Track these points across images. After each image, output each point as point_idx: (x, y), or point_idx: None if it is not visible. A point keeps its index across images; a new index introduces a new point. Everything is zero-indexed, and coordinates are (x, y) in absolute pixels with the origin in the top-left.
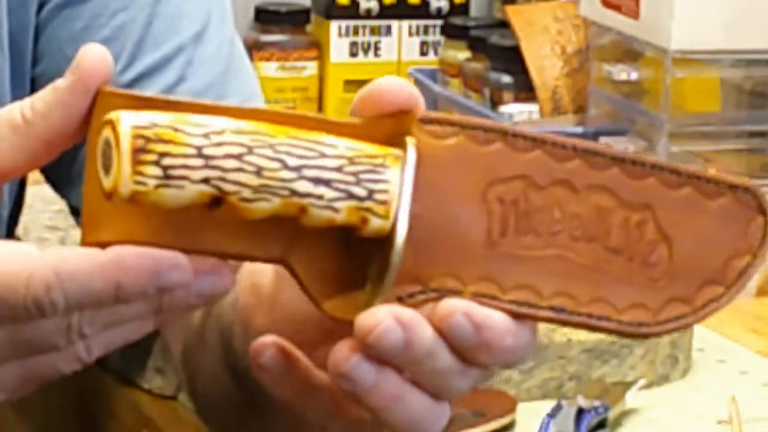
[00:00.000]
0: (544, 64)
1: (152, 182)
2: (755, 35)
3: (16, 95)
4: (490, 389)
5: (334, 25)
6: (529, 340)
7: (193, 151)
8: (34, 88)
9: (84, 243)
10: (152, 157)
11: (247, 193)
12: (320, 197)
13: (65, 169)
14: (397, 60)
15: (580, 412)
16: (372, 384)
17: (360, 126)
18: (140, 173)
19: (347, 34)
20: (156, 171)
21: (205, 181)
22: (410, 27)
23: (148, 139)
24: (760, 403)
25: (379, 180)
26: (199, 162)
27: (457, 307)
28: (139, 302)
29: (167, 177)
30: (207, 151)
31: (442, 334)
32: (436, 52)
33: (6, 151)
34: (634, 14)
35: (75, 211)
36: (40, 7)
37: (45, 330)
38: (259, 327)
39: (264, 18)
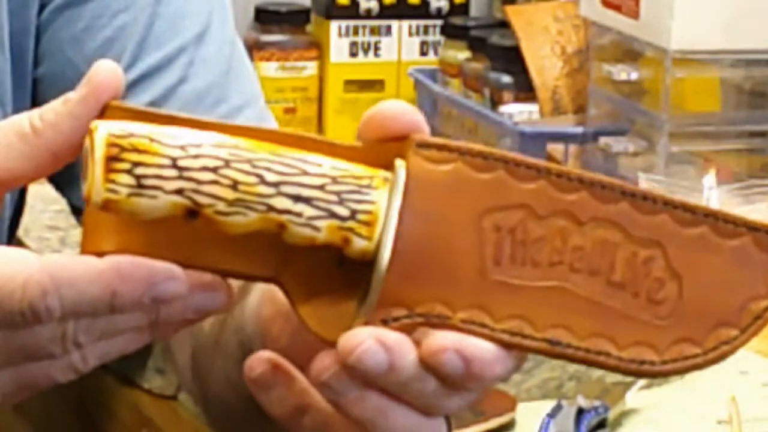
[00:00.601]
0: (544, 64)
1: (125, 191)
2: (755, 35)
3: (17, 96)
4: (490, 389)
5: (334, 25)
6: (519, 364)
7: (167, 162)
8: (35, 90)
9: (83, 252)
10: (125, 166)
11: (222, 206)
12: (299, 214)
13: (67, 169)
14: (397, 60)
15: (580, 412)
16: (356, 396)
17: (361, 149)
18: (112, 181)
19: (347, 34)
20: (129, 180)
21: (179, 192)
22: (410, 27)
23: (122, 148)
24: (760, 403)
25: (363, 200)
26: (173, 173)
27: (447, 345)
28: (135, 312)
29: (140, 186)
30: (182, 163)
31: (430, 368)
32: (436, 52)
33: (13, 159)
34: (634, 14)
35: (76, 210)
36: (41, 8)
37: (40, 337)
38: (275, 336)
39: (264, 18)
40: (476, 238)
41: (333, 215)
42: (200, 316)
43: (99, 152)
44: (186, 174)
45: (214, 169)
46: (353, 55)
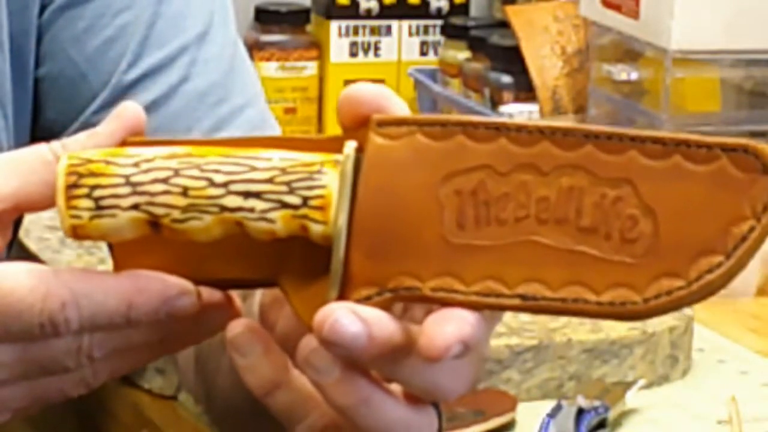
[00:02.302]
0: (544, 64)
1: (86, 214)
2: (755, 35)
3: (18, 97)
4: (490, 389)
5: (334, 25)
6: (495, 325)
7: (121, 181)
8: (36, 90)
9: None
10: (84, 191)
11: (176, 214)
12: (252, 210)
13: None
14: (397, 60)
15: (580, 412)
16: (338, 378)
17: (337, 139)
18: (74, 207)
19: (347, 34)
20: (88, 203)
21: (135, 207)
22: (410, 27)
23: (80, 175)
24: (760, 403)
25: (315, 186)
26: (127, 190)
27: (450, 340)
28: (148, 328)
29: (99, 208)
30: (135, 179)
31: (433, 361)
32: (436, 52)
33: (33, 184)
34: (634, 14)
35: None
36: (42, 9)
37: (56, 350)
38: (272, 323)
39: (264, 18)
40: (437, 205)
41: (285, 205)
42: (209, 334)
43: (60, 182)
44: (139, 189)
45: (165, 180)
46: (353, 55)
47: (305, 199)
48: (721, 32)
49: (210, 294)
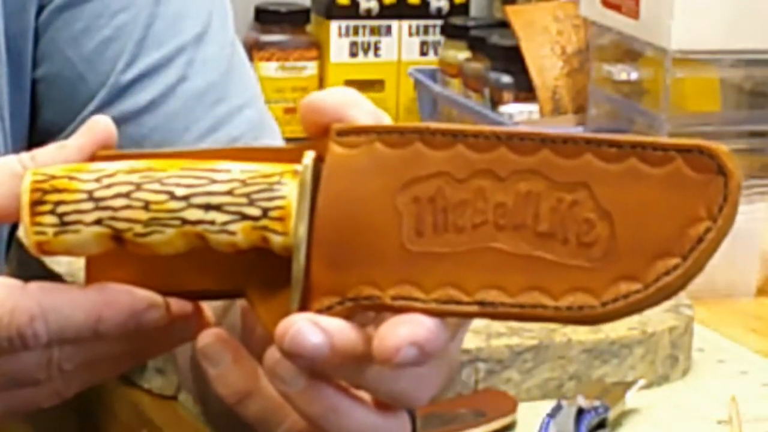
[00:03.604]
0: (544, 64)
1: (50, 230)
2: (755, 35)
3: (15, 99)
4: (491, 389)
5: (334, 25)
6: (457, 331)
7: (84, 196)
8: (34, 91)
9: None
10: (48, 207)
11: (138, 228)
12: (212, 222)
13: None
14: (397, 60)
15: (580, 412)
16: (305, 388)
17: (302, 147)
18: (38, 224)
19: (347, 34)
20: (52, 219)
21: (98, 222)
22: (410, 27)
23: (44, 191)
24: (760, 403)
25: (274, 197)
26: (90, 205)
27: (401, 341)
28: (118, 339)
29: (63, 224)
30: (97, 194)
31: (387, 364)
32: (436, 52)
33: (4, 196)
34: (634, 14)
35: None
36: (40, 10)
37: (26, 364)
38: (250, 328)
39: (264, 18)
40: (396, 213)
41: (245, 217)
42: (178, 343)
43: (24, 199)
44: (102, 204)
45: (127, 194)
46: (353, 55)
47: (265, 211)
48: (721, 32)
49: (179, 305)
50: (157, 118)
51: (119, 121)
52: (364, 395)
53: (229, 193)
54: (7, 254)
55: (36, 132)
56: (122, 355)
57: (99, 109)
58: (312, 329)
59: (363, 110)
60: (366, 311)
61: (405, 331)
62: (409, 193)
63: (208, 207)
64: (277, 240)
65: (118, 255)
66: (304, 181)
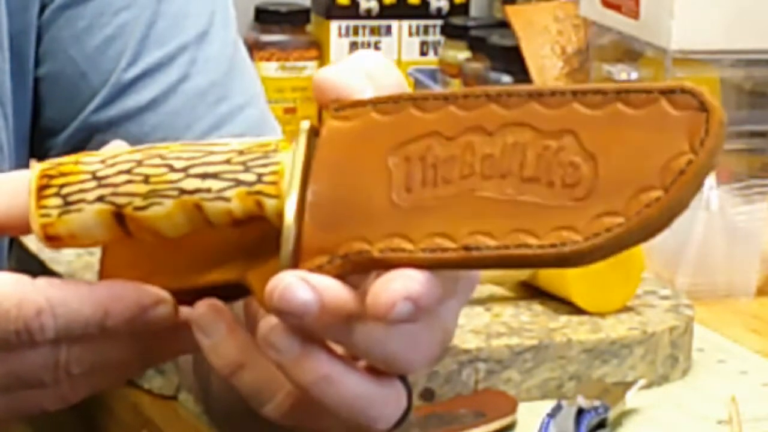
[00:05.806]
0: (544, 64)
1: (55, 212)
2: (755, 35)
3: (18, 97)
4: (491, 389)
5: (334, 25)
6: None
7: (88, 176)
8: (36, 90)
9: None
10: (53, 190)
11: (138, 201)
12: (208, 190)
13: None
14: (397, 60)
15: (580, 412)
16: (298, 355)
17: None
18: (44, 207)
19: (347, 34)
20: (57, 201)
21: (100, 199)
22: (410, 27)
23: (51, 176)
24: (760, 403)
25: (269, 163)
26: (93, 184)
27: (395, 296)
28: (127, 342)
29: (67, 204)
30: (101, 173)
31: (381, 320)
32: (436, 52)
33: (18, 207)
34: (634, 14)
35: None
36: (42, 8)
37: (33, 364)
38: (253, 314)
39: (264, 18)
40: (386, 172)
41: (240, 183)
42: (188, 350)
43: (32, 186)
44: (104, 181)
45: (128, 171)
46: None
47: (260, 176)
48: (721, 32)
49: (189, 309)
50: (159, 116)
51: (121, 120)
52: (359, 365)
53: (227, 162)
54: (9, 255)
55: (38, 129)
56: (130, 359)
57: (101, 107)
58: (301, 285)
59: (375, 87)
60: (355, 269)
61: (398, 285)
62: (401, 153)
63: (205, 176)
64: (270, 204)
65: (129, 254)
66: (299, 145)
